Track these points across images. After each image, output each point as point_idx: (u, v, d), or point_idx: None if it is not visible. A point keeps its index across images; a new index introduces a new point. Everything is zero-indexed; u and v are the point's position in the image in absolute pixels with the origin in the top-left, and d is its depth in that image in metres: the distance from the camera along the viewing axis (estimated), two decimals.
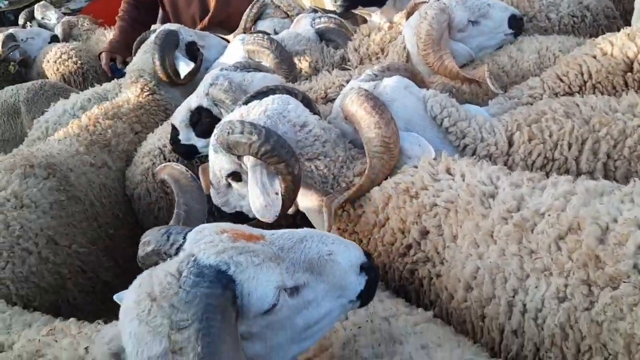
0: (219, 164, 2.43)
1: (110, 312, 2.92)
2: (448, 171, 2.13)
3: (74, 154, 3.35)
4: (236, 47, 3.72)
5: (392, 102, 2.41)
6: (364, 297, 1.55)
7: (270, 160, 2.23)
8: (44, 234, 2.73)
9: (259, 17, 4.92)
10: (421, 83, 2.74)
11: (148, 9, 5.58)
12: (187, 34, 4.12)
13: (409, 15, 3.62)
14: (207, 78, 2.96)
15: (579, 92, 2.76)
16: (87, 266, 2.89)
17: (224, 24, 5.34)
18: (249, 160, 2.32)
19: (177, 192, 2.08)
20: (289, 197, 2.29)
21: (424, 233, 2.06)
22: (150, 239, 1.47)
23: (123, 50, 5.34)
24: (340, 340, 1.69)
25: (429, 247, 2.04)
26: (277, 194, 2.27)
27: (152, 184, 3.32)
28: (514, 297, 1.75)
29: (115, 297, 1.74)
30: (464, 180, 2.05)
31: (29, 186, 2.89)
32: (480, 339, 1.86)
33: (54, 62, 6.10)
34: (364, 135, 2.28)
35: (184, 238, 1.43)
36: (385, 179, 2.29)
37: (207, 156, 3.18)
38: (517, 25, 3.39)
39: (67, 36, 7.33)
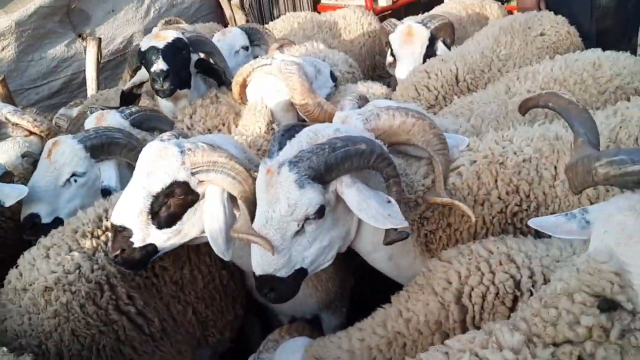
0: (306, 200, 2.05)
1: None
2: (503, 139, 2.46)
3: None
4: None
5: None
6: None
7: (383, 163, 2.13)
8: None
9: None
10: None
11: None
12: None
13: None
14: (167, 152, 2.30)
15: None
16: None
17: None
18: (343, 182, 2.11)
19: (572, 122, 2.01)
20: (400, 201, 2.16)
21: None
22: (626, 158, 1.46)
23: None
24: None
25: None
26: (389, 201, 2.11)
27: (81, 321, 2.28)
28: None
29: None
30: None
31: None
32: None
33: None
34: (422, 139, 2.33)
35: None
36: None
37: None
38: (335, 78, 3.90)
39: None
